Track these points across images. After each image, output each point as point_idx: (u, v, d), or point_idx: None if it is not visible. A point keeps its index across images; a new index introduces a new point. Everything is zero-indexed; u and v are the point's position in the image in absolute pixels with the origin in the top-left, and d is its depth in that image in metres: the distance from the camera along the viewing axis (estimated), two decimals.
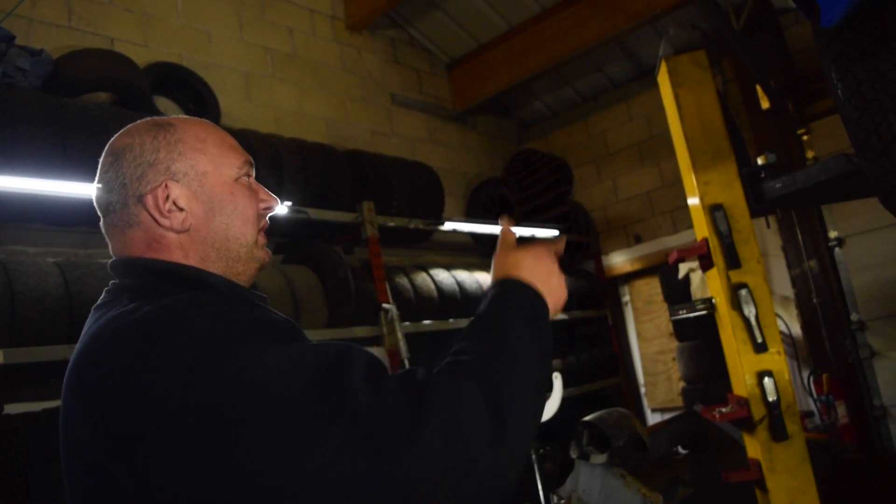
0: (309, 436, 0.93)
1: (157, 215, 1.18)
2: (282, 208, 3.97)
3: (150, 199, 1.19)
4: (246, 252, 1.26)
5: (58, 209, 3.21)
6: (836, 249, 4.83)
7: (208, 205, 1.22)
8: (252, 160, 1.33)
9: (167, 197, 1.19)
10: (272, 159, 4.11)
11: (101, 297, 1.21)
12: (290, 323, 1.13)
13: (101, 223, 1.26)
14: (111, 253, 1.25)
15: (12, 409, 3.03)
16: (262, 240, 1.30)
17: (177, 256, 1.20)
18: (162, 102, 4.37)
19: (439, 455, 0.95)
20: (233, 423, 0.93)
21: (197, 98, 4.45)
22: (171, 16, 4.61)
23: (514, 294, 1.24)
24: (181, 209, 1.20)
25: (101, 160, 1.25)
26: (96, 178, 1.25)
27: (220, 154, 1.26)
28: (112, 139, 1.26)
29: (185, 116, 1.31)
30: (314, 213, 4.25)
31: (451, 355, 1.10)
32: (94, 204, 1.26)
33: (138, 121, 1.27)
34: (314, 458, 0.92)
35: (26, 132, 3.06)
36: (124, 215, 1.21)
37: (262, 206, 1.30)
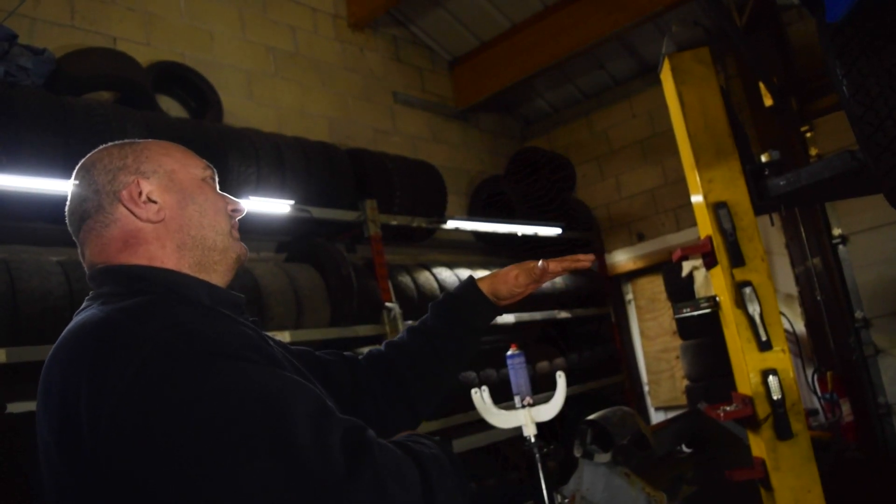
0: (243, 462, 0.94)
1: (132, 207, 1.23)
2: (284, 206, 3.96)
3: (125, 194, 1.24)
4: (222, 241, 1.30)
5: (61, 208, 3.20)
6: (840, 247, 4.80)
7: (180, 194, 1.28)
8: (214, 169, 1.39)
9: (140, 192, 1.25)
10: (275, 158, 4.10)
11: (82, 304, 1.23)
12: (248, 338, 1.11)
13: (77, 239, 1.29)
14: (85, 267, 1.28)
15: (15, 408, 3.03)
16: (234, 233, 1.34)
17: (154, 248, 1.24)
18: (164, 101, 4.37)
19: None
20: (166, 441, 0.95)
21: (199, 97, 4.45)
22: (174, 15, 4.61)
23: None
24: (154, 202, 1.25)
25: (71, 179, 1.30)
26: (68, 197, 1.29)
27: (184, 157, 1.34)
28: (82, 161, 1.32)
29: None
30: (317, 212, 4.25)
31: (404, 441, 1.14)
32: (67, 222, 1.30)
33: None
34: (243, 487, 0.93)
35: (29, 131, 3.06)
36: (100, 216, 1.25)
37: (230, 206, 1.35)
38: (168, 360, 0.98)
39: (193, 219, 1.27)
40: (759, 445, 2.59)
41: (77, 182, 1.29)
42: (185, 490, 0.95)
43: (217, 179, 1.39)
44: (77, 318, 1.15)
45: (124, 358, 0.99)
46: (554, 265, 1.64)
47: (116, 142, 1.33)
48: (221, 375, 0.99)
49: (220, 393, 0.97)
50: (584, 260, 1.66)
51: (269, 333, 1.40)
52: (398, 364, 1.59)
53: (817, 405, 4.92)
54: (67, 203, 1.30)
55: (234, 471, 0.94)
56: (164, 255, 1.24)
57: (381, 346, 1.66)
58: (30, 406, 3.10)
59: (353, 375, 1.56)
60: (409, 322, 4.53)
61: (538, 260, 1.66)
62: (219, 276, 1.30)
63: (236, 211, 1.36)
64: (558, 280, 6.21)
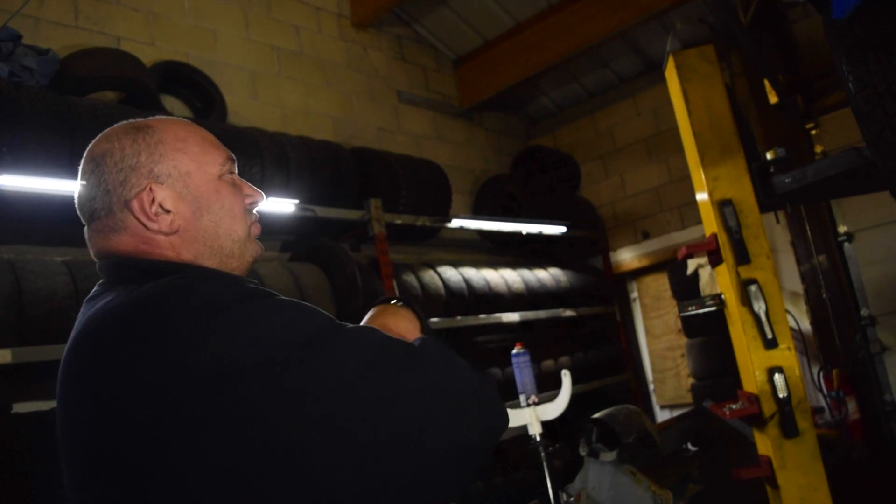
0: (333, 366, 1.02)
1: (144, 219, 1.17)
2: (289, 206, 3.96)
3: (135, 204, 1.17)
4: (239, 247, 1.26)
5: (66, 208, 3.21)
6: (846, 244, 4.80)
7: (195, 204, 1.21)
8: (234, 157, 1.32)
9: (153, 200, 1.18)
10: (279, 157, 4.10)
11: (93, 290, 1.21)
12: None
13: (85, 229, 1.25)
14: (93, 257, 1.24)
15: (21, 408, 3.04)
16: (255, 231, 1.31)
17: (168, 255, 1.19)
18: (169, 101, 4.37)
19: (441, 373, 1.11)
20: (263, 373, 0.97)
21: (204, 97, 4.45)
22: (178, 14, 4.61)
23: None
24: (168, 211, 1.18)
25: (80, 166, 1.24)
26: (77, 184, 1.24)
27: (202, 152, 1.25)
28: (91, 145, 1.25)
29: (164, 117, 1.30)
30: (321, 211, 4.25)
31: None
32: (77, 210, 1.25)
33: (116, 125, 1.26)
34: (343, 386, 1.01)
35: (34, 131, 3.07)
36: (110, 221, 1.20)
37: (248, 200, 1.29)
38: (230, 308, 1.02)
39: (209, 230, 1.22)
40: (765, 444, 2.59)
41: (86, 175, 1.23)
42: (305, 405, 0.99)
43: (236, 169, 1.32)
44: (104, 301, 1.11)
45: (187, 321, 1.00)
46: None
47: (129, 125, 1.24)
48: (288, 311, 1.07)
49: (294, 322, 1.05)
50: None
51: None
52: None
53: (823, 403, 4.91)
54: (77, 194, 1.24)
55: (334, 380, 1.01)
56: (180, 261, 1.20)
57: None
58: (35, 406, 3.11)
59: None
60: None
61: None
62: None
63: (253, 203, 1.31)
64: (563, 278, 6.20)
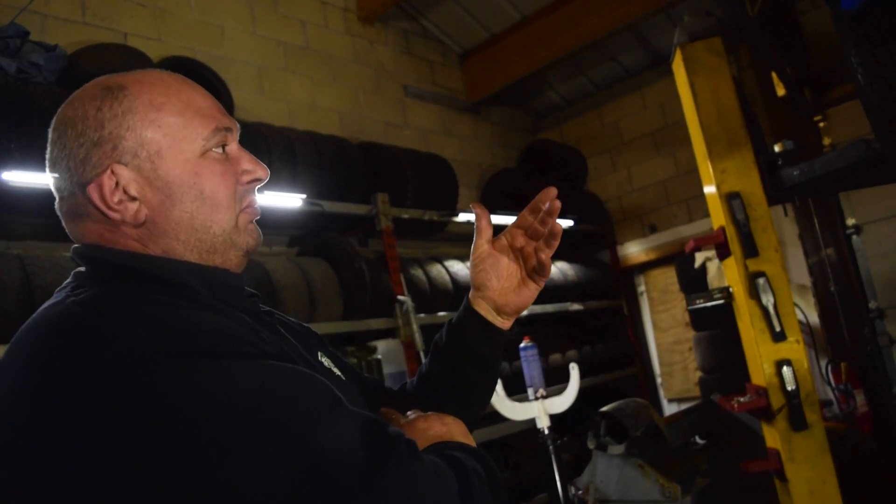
0: (247, 470, 0.79)
1: (104, 208, 0.98)
2: (296, 200, 3.97)
3: (93, 190, 0.98)
4: (222, 241, 1.04)
5: None
6: (854, 237, 4.77)
7: (165, 191, 1.00)
8: (230, 125, 1.07)
9: (116, 184, 0.98)
10: (286, 152, 4.11)
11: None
12: (236, 331, 0.91)
13: (55, 205, 1.06)
14: (71, 237, 1.07)
15: None
16: (248, 216, 1.08)
17: (136, 249, 1.01)
18: None
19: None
20: (145, 452, 0.79)
21: (210, 91, 4.43)
22: (184, 10, 4.62)
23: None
24: (133, 198, 0.99)
25: (50, 129, 1.05)
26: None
27: (181, 125, 1.01)
28: (60, 108, 1.05)
29: (144, 72, 1.06)
30: (329, 206, 4.26)
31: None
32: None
33: (89, 83, 1.04)
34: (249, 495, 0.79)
35: (42, 127, 3.06)
36: (73, 204, 1.02)
37: (246, 178, 1.07)
38: (145, 363, 0.81)
39: (182, 222, 1.00)
40: (773, 437, 2.59)
41: (50, 145, 1.04)
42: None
43: (234, 133, 1.08)
44: (39, 309, 0.97)
45: (82, 374, 0.81)
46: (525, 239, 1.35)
47: (100, 84, 1.03)
48: (206, 378, 0.82)
49: (201, 399, 0.80)
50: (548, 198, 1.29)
51: None
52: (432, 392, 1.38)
53: (831, 396, 4.90)
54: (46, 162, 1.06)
55: (237, 480, 0.79)
56: (146, 254, 1.02)
57: (413, 379, 1.44)
58: None
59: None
60: (422, 315, 4.54)
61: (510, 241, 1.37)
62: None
63: (254, 180, 1.08)
64: (570, 272, 6.20)
